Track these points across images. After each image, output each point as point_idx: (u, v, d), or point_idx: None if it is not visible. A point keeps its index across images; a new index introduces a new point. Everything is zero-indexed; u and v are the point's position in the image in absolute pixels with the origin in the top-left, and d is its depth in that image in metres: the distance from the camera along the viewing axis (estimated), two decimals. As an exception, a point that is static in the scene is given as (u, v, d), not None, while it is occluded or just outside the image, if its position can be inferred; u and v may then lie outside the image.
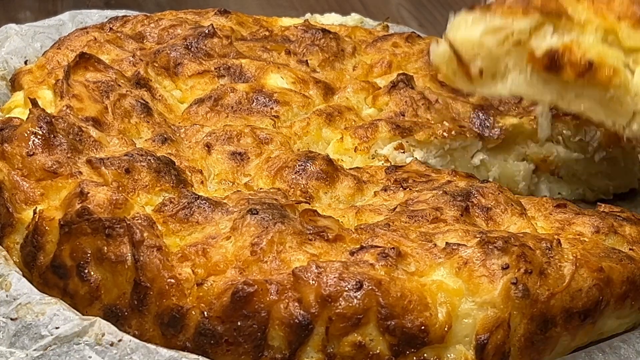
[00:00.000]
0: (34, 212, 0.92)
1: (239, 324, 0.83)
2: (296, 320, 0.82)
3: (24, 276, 0.90)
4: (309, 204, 0.99)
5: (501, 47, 1.00)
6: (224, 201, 0.95)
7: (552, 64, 0.95)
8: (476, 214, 0.98)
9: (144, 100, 1.14)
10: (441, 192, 1.00)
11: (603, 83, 0.93)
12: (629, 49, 0.94)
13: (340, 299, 0.82)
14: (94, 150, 1.01)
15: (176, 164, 1.02)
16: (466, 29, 1.02)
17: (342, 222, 0.95)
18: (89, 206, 0.89)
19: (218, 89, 1.21)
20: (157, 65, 1.25)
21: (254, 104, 1.19)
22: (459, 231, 0.92)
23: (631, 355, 0.91)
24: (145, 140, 1.09)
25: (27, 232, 0.92)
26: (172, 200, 0.94)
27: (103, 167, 0.96)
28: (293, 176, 1.04)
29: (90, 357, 0.81)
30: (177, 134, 1.11)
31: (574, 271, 0.88)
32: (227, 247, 0.88)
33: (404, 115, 1.21)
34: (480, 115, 1.22)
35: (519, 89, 1.01)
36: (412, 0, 2.07)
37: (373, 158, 1.15)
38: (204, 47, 1.30)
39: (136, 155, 0.99)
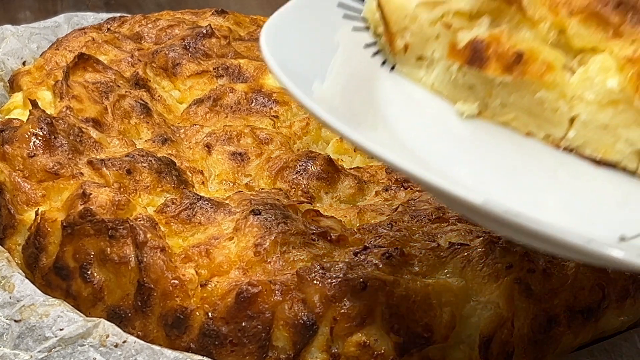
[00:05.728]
0: (36, 214, 0.92)
1: (243, 324, 0.83)
2: (301, 321, 0.82)
3: (26, 278, 0.90)
4: (311, 204, 0.99)
5: (433, 26, 0.82)
6: (226, 202, 0.95)
7: (475, 56, 0.78)
8: (478, 213, 0.98)
9: (143, 101, 1.14)
10: (442, 191, 1.00)
11: (533, 78, 0.76)
12: (577, 50, 0.77)
13: (345, 299, 0.82)
14: (95, 151, 1.01)
15: (177, 164, 1.02)
16: None
17: (344, 222, 0.95)
18: (92, 207, 0.89)
19: (217, 89, 1.21)
20: (155, 65, 1.24)
21: (253, 104, 1.19)
22: (461, 231, 0.92)
23: (633, 353, 0.91)
24: (145, 140, 1.08)
25: (29, 234, 0.92)
26: (174, 201, 0.93)
27: (104, 168, 0.96)
28: (294, 176, 1.04)
29: (94, 358, 0.81)
30: (177, 135, 1.11)
31: (577, 270, 0.89)
32: (230, 247, 0.87)
33: (402, 115, 1.21)
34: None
35: (440, 87, 0.83)
36: (412, 0, 2.06)
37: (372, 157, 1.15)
38: (202, 47, 1.30)
39: (137, 156, 0.99)
